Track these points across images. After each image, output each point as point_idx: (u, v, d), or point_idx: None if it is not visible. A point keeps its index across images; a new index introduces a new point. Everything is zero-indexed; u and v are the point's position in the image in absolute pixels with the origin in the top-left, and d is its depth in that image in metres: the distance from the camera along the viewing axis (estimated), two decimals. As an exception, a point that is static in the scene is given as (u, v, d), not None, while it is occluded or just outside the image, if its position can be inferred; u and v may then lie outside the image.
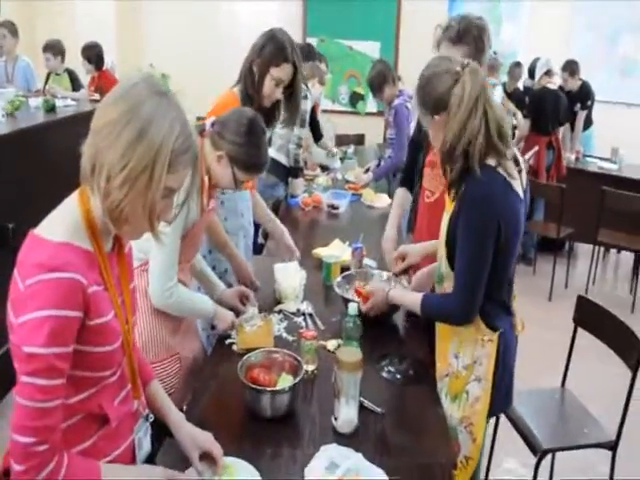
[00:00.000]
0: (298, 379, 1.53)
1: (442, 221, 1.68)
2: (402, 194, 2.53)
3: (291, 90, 2.30)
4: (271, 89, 2.24)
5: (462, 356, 1.67)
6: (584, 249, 5.22)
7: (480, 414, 1.65)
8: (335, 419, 1.49)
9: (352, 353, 1.51)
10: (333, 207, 3.45)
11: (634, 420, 2.19)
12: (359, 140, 6.03)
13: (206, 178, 1.82)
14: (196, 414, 1.50)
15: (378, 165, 4.18)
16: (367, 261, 2.49)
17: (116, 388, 1.16)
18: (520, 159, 1.63)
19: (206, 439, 1.30)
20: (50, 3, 5.81)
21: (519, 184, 1.58)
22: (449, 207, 1.64)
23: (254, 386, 1.50)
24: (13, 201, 3.31)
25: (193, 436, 1.30)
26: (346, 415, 1.47)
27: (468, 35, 2.03)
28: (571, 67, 5.43)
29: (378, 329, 1.95)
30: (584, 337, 2.46)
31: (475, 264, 1.55)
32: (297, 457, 1.40)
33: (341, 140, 5.42)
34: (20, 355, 0.97)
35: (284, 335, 1.94)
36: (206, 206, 1.83)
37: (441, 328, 1.75)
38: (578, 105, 5.53)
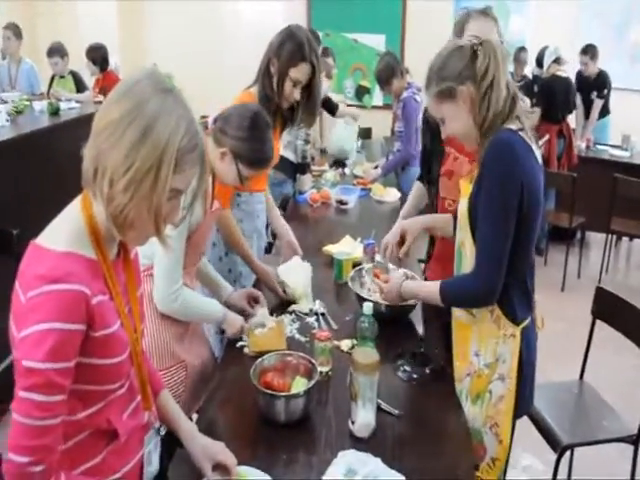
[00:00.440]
0: (313, 382, 1.49)
1: (459, 209, 1.61)
2: (419, 194, 2.47)
3: (310, 90, 2.24)
4: (289, 90, 2.19)
5: (484, 354, 1.59)
6: (596, 238, 5.15)
7: (505, 414, 1.58)
8: (352, 423, 1.45)
9: (368, 354, 1.47)
10: (342, 203, 3.40)
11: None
12: (366, 134, 5.97)
13: (209, 178, 1.77)
14: (208, 421, 1.47)
15: (386, 160, 4.13)
16: (379, 257, 2.44)
17: (125, 401, 1.11)
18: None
19: (219, 450, 1.27)
20: (51, 4, 5.80)
21: (539, 154, 1.53)
22: (466, 191, 1.58)
23: (268, 391, 1.46)
24: (17, 206, 3.29)
25: (205, 447, 1.26)
26: (363, 419, 1.43)
27: (494, 13, 2.07)
28: (592, 51, 5.34)
29: (393, 327, 1.90)
30: (600, 328, 2.41)
31: (499, 230, 1.46)
32: (313, 463, 1.36)
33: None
34: (20, 369, 0.93)
35: (297, 336, 1.90)
36: (210, 207, 1.78)
37: (459, 327, 1.68)
38: (594, 93, 5.44)
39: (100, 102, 1.17)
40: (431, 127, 2.02)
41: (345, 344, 1.84)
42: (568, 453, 2.36)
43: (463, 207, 1.57)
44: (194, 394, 1.75)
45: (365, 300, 1.89)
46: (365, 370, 1.42)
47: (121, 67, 5.85)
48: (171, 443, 1.31)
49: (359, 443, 1.42)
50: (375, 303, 1.81)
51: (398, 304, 1.88)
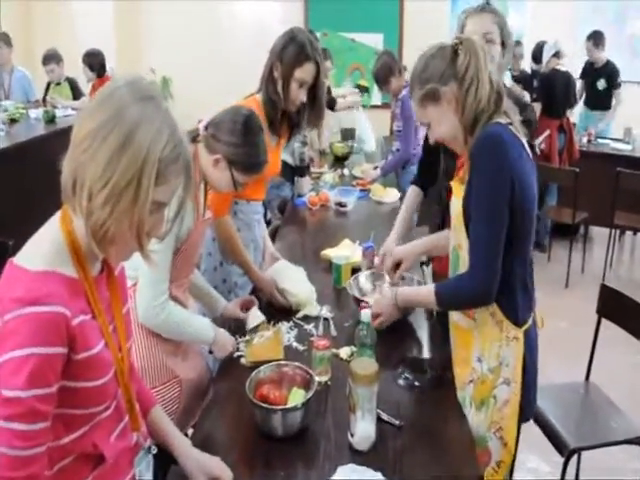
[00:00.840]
0: (310, 394, 1.45)
1: (453, 210, 1.57)
2: (414, 193, 2.41)
3: (314, 91, 2.19)
4: (295, 92, 2.14)
5: (487, 358, 1.54)
6: (598, 233, 5.10)
7: (510, 418, 1.54)
8: (351, 435, 1.41)
9: (367, 364, 1.43)
10: (341, 205, 3.35)
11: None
12: (365, 133, 5.93)
13: (201, 186, 1.73)
14: (203, 436, 1.43)
15: (386, 160, 4.09)
16: (378, 261, 2.40)
17: (111, 423, 1.07)
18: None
19: (214, 465, 1.23)
20: (47, 10, 5.78)
21: (528, 147, 1.49)
22: (458, 193, 1.54)
23: (264, 405, 1.42)
24: (13, 216, 3.27)
25: (200, 463, 1.22)
26: (363, 431, 1.39)
27: (492, 5, 2.05)
28: (595, 37, 5.29)
29: (393, 333, 1.86)
30: (605, 326, 2.37)
31: (491, 227, 1.42)
32: (312, 478, 1.32)
33: (347, 134, 5.32)
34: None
35: (294, 345, 1.86)
36: (202, 216, 1.74)
37: (458, 332, 1.63)
38: (602, 81, 5.39)
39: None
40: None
41: (344, 352, 1.80)
42: (575, 455, 2.33)
43: (457, 209, 1.53)
44: (189, 409, 1.70)
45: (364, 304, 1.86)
46: (364, 381, 1.38)
47: (118, 72, 5.82)
48: (165, 460, 1.28)
49: (359, 456, 1.38)
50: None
51: (399, 317, 1.82)
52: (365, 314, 1.62)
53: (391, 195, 3.56)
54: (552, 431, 2.13)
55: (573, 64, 5.44)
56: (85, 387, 0.97)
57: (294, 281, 2.10)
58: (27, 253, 0.97)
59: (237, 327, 1.88)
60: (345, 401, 1.48)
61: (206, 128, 1.72)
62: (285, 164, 3.54)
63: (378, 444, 1.42)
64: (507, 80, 5.45)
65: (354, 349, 1.79)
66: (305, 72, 2.12)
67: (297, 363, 1.60)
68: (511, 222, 1.43)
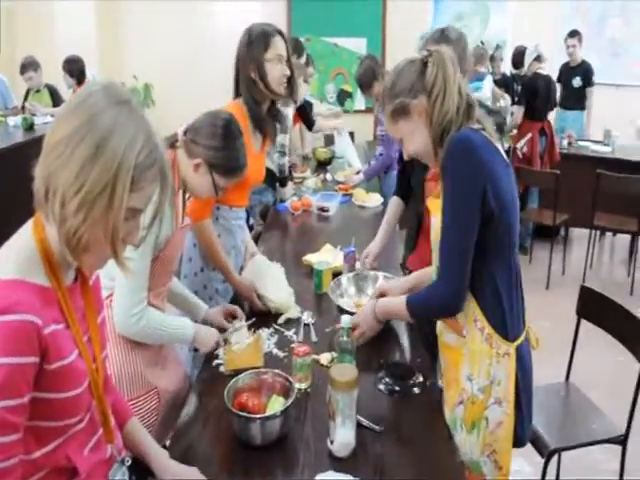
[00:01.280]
0: (290, 402, 1.43)
1: (433, 226, 1.55)
2: (395, 204, 2.45)
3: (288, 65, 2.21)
4: (278, 71, 2.15)
5: (476, 377, 1.47)
6: (578, 234, 5.16)
7: (504, 440, 1.47)
8: (331, 442, 1.40)
9: (346, 370, 1.42)
10: (323, 210, 3.36)
11: (638, 409, 2.12)
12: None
13: (180, 193, 1.72)
14: (181, 446, 1.41)
15: (369, 165, 4.10)
16: (359, 265, 2.40)
17: (85, 435, 1.05)
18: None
19: (192, 475, 1.22)
20: (28, 17, 5.72)
21: (503, 152, 1.46)
22: (436, 209, 1.51)
23: (242, 414, 1.41)
24: (-8, 225, 3.22)
25: (177, 475, 1.21)
26: (342, 437, 1.38)
27: (452, 34, 2.03)
28: (578, 35, 5.41)
29: (374, 338, 1.85)
30: (585, 326, 2.39)
31: (459, 232, 1.39)
32: (291, 486, 1.32)
33: (330, 139, 5.33)
34: None
35: (274, 351, 1.85)
36: (180, 223, 1.72)
37: (447, 351, 1.57)
38: (577, 79, 5.48)
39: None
40: None
41: (325, 358, 1.79)
42: (556, 455, 2.34)
43: (436, 225, 1.50)
44: (168, 420, 1.67)
45: (345, 312, 1.85)
46: (343, 387, 1.37)
47: (99, 79, 5.78)
48: (141, 472, 1.26)
49: (338, 463, 1.37)
50: (354, 314, 1.77)
51: (380, 329, 1.79)
52: (345, 319, 1.61)
53: (373, 199, 3.57)
54: (533, 432, 2.14)
55: (552, 67, 5.52)
56: (58, 398, 0.95)
57: (272, 285, 2.09)
58: None
59: (219, 330, 1.86)
60: (325, 408, 1.48)
61: (185, 133, 1.71)
62: (268, 170, 3.53)
63: (358, 450, 1.41)
64: (488, 83, 5.50)
65: (334, 355, 1.79)
66: (275, 48, 2.15)
67: (276, 370, 1.58)
68: (487, 229, 1.39)
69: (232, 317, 1.91)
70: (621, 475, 2.16)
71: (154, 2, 6.12)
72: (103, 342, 1.12)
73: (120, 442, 1.15)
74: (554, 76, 5.41)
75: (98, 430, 1.09)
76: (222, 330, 1.84)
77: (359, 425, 1.45)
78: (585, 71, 5.52)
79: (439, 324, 1.60)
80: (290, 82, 2.23)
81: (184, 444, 1.43)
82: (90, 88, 0.95)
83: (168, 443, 1.44)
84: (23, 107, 5.19)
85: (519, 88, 5.58)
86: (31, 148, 3.82)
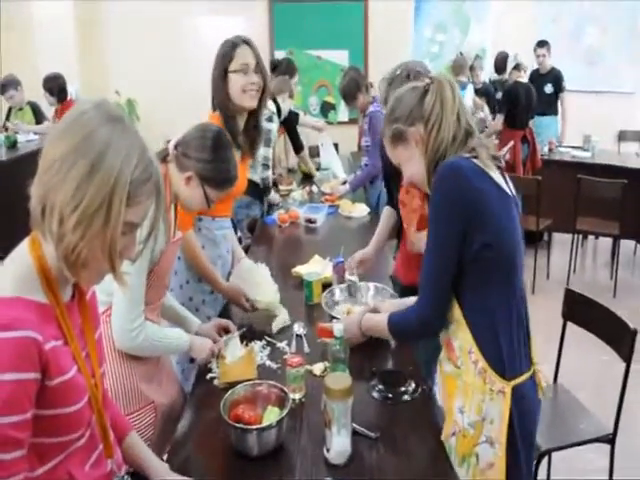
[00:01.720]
0: (285, 412, 1.45)
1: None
2: (388, 214, 2.47)
3: (261, 74, 2.21)
4: (242, 81, 2.15)
5: (468, 411, 1.41)
6: (561, 238, 5.24)
7: None
8: (327, 450, 1.42)
9: (340, 379, 1.44)
10: (310, 221, 3.39)
11: (626, 409, 2.17)
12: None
13: (172, 207, 1.74)
14: (179, 458, 1.42)
15: (355, 176, 4.15)
16: (348, 275, 2.43)
17: (86, 451, 1.06)
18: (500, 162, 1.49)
19: None
20: (7, 35, 5.69)
21: (500, 179, 1.42)
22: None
23: (238, 425, 1.42)
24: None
25: None
26: (338, 445, 1.40)
27: (419, 74, 1.95)
28: (547, 45, 5.55)
29: (366, 346, 1.86)
30: (570, 329, 2.44)
31: (436, 255, 1.37)
32: (290, 496, 1.33)
33: (314, 151, 5.38)
34: None
35: (267, 363, 1.86)
36: (172, 236, 1.74)
37: (446, 380, 1.51)
38: (549, 86, 5.61)
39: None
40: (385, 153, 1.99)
41: (318, 368, 1.81)
42: (546, 456, 2.37)
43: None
44: (165, 434, 1.67)
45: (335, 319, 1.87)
46: (338, 396, 1.39)
47: (81, 95, 5.77)
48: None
49: (335, 470, 1.39)
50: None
51: (361, 341, 1.79)
52: (338, 329, 1.64)
53: (360, 210, 3.61)
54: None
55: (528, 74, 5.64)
56: (59, 414, 0.96)
57: (258, 286, 2.12)
58: None
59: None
60: (320, 417, 1.49)
61: (176, 147, 1.73)
62: (252, 183, 3.56)
63: (354, 458, 1.43)
64: (470, 92, 5.60)
65: (327, 365, 1.81)
66: (240, 57, 2.16)
67: (271, 382, 1.60)
68: (481, 260, 1.35)
69: (225, 331, 1.92)
70: (611, 473, 2.19)
71: (135, 17, 6.14)
72: (101, 357, 1.13)
73: (120, 457, 1.16)
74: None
75: (98, 445, 1.10)
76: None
77: (354, 433, 1.47)
78: (555, 78, 5.66)
79: (442, 352, 1.54)
80: (264, 90, 2.24)
81: (181, 457, 1.44)
82: (82, 107, 0.97)
83: (165, 457, 1.44)
84: (5, 126, 5.15)
85: (500, 94, 5.69)
86: (14, 166, 3.82)
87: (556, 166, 5.28)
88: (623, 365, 2.13)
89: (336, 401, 1.39)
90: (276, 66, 4.37)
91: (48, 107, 5.43)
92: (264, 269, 2.20)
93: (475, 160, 1.38)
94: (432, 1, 6.50)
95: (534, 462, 2.03)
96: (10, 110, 5.31)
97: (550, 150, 5.55)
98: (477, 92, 5.83)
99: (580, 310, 2.40)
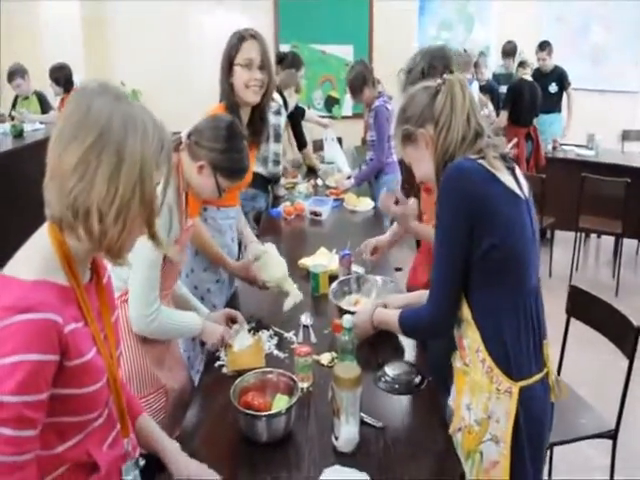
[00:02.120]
0: (294, 400, 1.47)
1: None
2: (414, 206, 2.38)
3: (265, 71, 2.21)
4: (246, 75, 2.15)
5: (474, 408, 1.42)
6: (563, 237, 5.26)
7: None
8: (336, 438, 1.44)
9: (349, 368, 1.46)
10: (316, 214, 3.40)
11: (628, 405, 2.18)
12: (337, 144, 6.01)
13: (183, 196, 1.75)
14: (188, 444, 1.44)
15: (359, 170, 4.16)
16: (355, 268, 2.45)
17: (104, 431, 1.08)
18: (511, 161, 1.47)
19: (203, 471, 1.26)
20: (13, 25, 5.69)
21: (511, 181, 1.40)
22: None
23: (248, 412, 1.44)
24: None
25: (190, 468, 1.25)
26: (347, 434, 1.42)
27: (434, 70, 1.93)
28: (548, 47, 5.53)
29: (373, 337, 1.88)
30: (573, 325, 2.45)
31: (443, 257, 1.38)
32: (298, 482, 1.35)
33: (318, 145, 5.39)
34: None
35: (275, 352, 1.88)
36: (184, 224, 1.76)
37: (457, 375, 1.51)
38: (553, 85, 5.61)
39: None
40: None
41: (325, 358, 1.83)
42: (547, 451, 2.39)
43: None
44: (174, 419, 1.69)
45: (345, 312, 1.89)
46: (347, 385, 1.41)
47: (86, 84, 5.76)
48: (150, 469, 1.28)
49: (344, 458, 1.41)
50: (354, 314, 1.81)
51: (372, 334, 1.81)
52: (347, 320, 1.65)
53: (364, 204, 3.62)
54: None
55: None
56: (78, 394, 0.98)
57: (265, 266, 2.16)
58: (16, 265, 0.97)
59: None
60: (327, 406, 1.51)
61: (189, 136, 1.75)
62: (258, 175, 3.57)
63: (362, 446, 1.45)
64: (475, 89, 5.60)
65: (334, 355, 1.83)
66: (245, 52, 2.16)
67: (281, 370, 1.62)
68: (489, 260, 1.35)
69: (232, 321, 1.94)
70: (612, 469, 2.21)
71: (141, 8, 6.14)
72: (118, 339, 1.15)
73: (134, 439, 1.17)
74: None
75: (116, 426, 1.12)
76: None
77: (361, 422, 1.48)
78: (559, 75, 5.65)
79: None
80: (268, 87, 2.24)
81: (190, 442, 1.46)
82: (85, 98, 0.95)
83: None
84: (11, 115, 5.16)
85: (504, 88, 5.69)
86: (21, 155, 3.82)
87: (560, 164, 5.29)
88: (625, 362, 2.14)
89: (345, 390, 1.41)
90: (282, 59, 4.37)
91: (54, 97, 5.43)
92: (271, 247, 2.22)
93: (482, 161, 1.37)
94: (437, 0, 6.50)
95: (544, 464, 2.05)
96: (16, 99, 5.31)
97: (554, 148, 5.56)
98: (481, 89, 5.84)
99: (584, 307, 2.42)
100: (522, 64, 5.40)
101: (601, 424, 2.22)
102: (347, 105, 6.52)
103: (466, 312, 1.42)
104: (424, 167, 1.49)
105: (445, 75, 1.46)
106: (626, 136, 6.53)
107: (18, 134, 4.39)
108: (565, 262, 4.84)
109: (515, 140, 5.22)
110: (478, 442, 1.41)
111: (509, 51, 5.96)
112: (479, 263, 1.36)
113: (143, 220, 0.99)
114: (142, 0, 6.11)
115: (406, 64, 2.05)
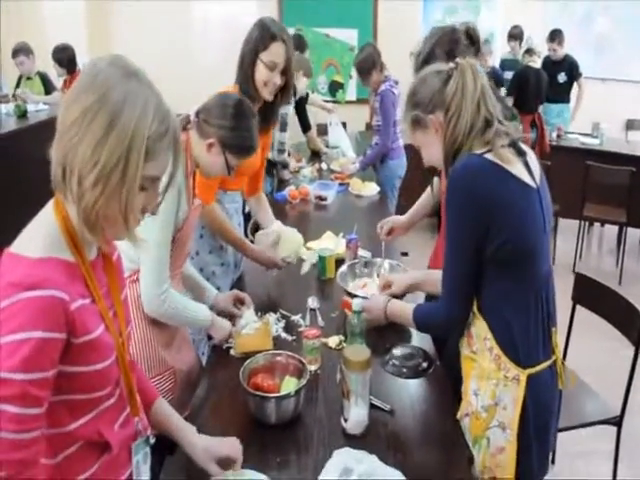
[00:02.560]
0: (304, 382, 1.47)
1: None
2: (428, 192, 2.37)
3: (286, 75, 2.18)
4: (266, 76, 2.13)
5: (482, 394, 1.42)
6: (566, 225, 5.25)
7: (506, 469, 1.40)
8: (345, 420, 1.44)
9: (359, 351, 1.45)
10: (321, 198, 3.39)
11: (634, 393, 2.19)
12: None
13: (191, 175, 1.74)
14: (197, 426, 1.42)
15: (364, 154, 4.13)
16: (362, 252, 2.44)
17: (115, 411, 1.07)
18: (523, 147, 1.46)
19: (224, 446, 1.27)
20: (17, 7, 5.63)
21: (522, 170, 1.38)
22: None
23: (258, 393, 1.44)
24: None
25: (208, 448, 1.25)
26: (356, 416, 1.42)
27: (438, 55, 1.88)
28: (559, 37, 5.48)
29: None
30: (578, 312, 2.45)
31: (456, 259, 1.38)
32: (308, 464, 1.35)
33: (322, 129, 5.36)
34: None
35: (283, 335, 1.88)
36: (193, 203, 1.74)
37: (464, 361, 1.52)
38: (562, 74, 5.56)
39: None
40: None
41: (333, 341, 1.83)
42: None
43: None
44: (182, 401, 1.69)
45: (355, 296, 1.88)
46: (357, 367, 1.40)
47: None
48: (161, 450, 1.28)
49: (353, 440, 1.41)
50: (364, 298, 1.80)
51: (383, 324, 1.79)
52: (357, 303, 1.65)
53: (370, 189, 3.61)
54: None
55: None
56: (87, 371, 0.97)
57: (280, 244, 2.20)
58: (23, 242, 0.96)
59: (226, 317, 1.88)
60: (336, 389, 1.52)
61: (197, 115, 1.74)
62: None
63: (371, 429, 1.45)
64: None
65: (342, 338, 1.83)
66: (272, 54, 2.12)
67: (290, 352, 1.62)
68: (501, 252, 1.34)
69: (241, 303, 1.93)
70: (616, 455, 2.22)
71: (145, -10, 6.07)
72: (127, 318, 1.14)
73: (145, 419, 1.17)
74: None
75: (126, 407, 1.11)
76: (230, 317, 1.87)
77: (370, 405, 1.48)
78: (570, 65, 5.59)
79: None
80: (283, 92, 2.23)
81: (199, 424, 1.45)
82: (96, 67, 0.96)
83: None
84: (14, 95, 5.12)
85: (509, 74, 5.64)
86: (24, 136, 3.79)
87: (565, 152, 5.27)
88: (631, 350, 2.14)
89: (355, 372, 1.41)
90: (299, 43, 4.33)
91: (57, 79, 5.38)
92: (277, 225, 2.21)
93: (489, 156, 1.35)
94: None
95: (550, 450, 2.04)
96: (20, 79, 5.26)
97: (558, 136, 5.52)
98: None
99: (590, 294, 2.42)
100: (529, 51, 5.35)
101: (606, 411, 2.23)
102: (351, 90, 6.46)
103: (474, 303, 1.42)
104: (433, 152, 1.48)
105: (458, 59, 1.43)
106: (630, 125, 6.49)
107: (22, 114, 4.36)
108: (569, 250, 4.83)
109: (520, 127, 5.18)
110: (485, 428, 1.42)
111: (516, 35, 5.89)
112: (490, 258, 1.36)
113: (120, 203, 0.95)
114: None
115: (416, 47, 2.02)
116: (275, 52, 2.12)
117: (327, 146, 4.60)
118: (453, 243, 1.39)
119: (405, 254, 2.63)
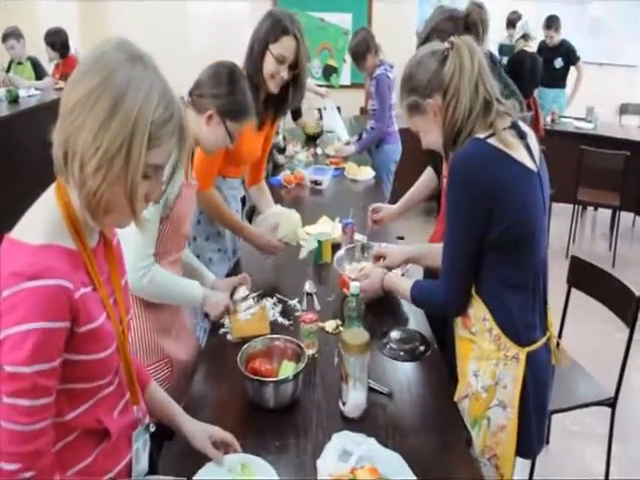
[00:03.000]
0: (302, 366, 1.47)
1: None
2: (429, 177, 2.35)
3: (295, 70, 2.14)
4: (274, 68, 2.10)
5: (482, 375, 1.43)
6: (560, 208, 5.26)
7: (507, 446, 1.42)
8: (343, 404, 1.44)
9: (357, 334, 1.45)
10: (316, 183, 3.38)
11: (628, 376, 2.21)
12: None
13: (189, 154, 1.72)
14: (195, 411, 1.44)
15: (359, 138, 4.11)
16: (358, 236, 2.43)
17: (114, 398, 1.07)
18: (524, 128, 1.44)
19: (216, 428, 1.27)
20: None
21: (524, 154, 1.38)
22: None
23: (256, 378, 1.44)
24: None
25: (204, 427, 1.26)
26: (355, 399, 1.43)
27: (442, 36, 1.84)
28: (555, 23, 5.45)
29: (379, 304, 1.89)
30: (573, 295, 2.46)
31: (456, 247, 1.39)
32: (307, 447, 1.35)
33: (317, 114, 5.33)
34: (1, 374, 0.86)
35: (280, 320, 1.88)
36: (188, 180, 1.70)
37: (460, 342, 1.53)
38: (559, 60, 5.54)
39: (61, 89, 1.09)
40: None
41: (330, 325, 1.83)
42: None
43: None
44: (180, 390, 1.66)
45: (353, 280, 1.88)
46: (355, 351, 1.40)
47: (82, 52, 5.64)
48: (159, 437, 1.28)
49: (351, 424, 1.42)
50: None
51: (378, 296, 1.81)
52: (354, 286, 1.65)
53: (365, 173, 3.60)
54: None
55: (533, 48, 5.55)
56: (88, 360, 0.96)
57: (279, 226, 2.19)
58: (24, 228, 0.95)
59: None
60: (333, 373, 1.52)
61: (191, 94, 1.74)
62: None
63: (369, 412, 1.46)
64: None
65: (339, 322, 1.83)
66: (281, 47, 2.09)
67: (287, 337, 1.62)
68: (502, 235, 1.34)
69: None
70: (610, 436, 2.25)
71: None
72: (128, 304, 1.13)
73: (144, 406, 1.17)
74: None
75: (126, 393, 1.11)
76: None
77: (368, 388, 1.49)
78: (567, 51, 5.56)
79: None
80: (296, 87, 2.19)
81: (197, 408, 1.46)
82: (102, 48, 0.94)
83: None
84: (4, 79, 5.04)
85: (504, 59, 5.61)
86: (16, 122, 3.71)
87: (559, 137, 5.26)
88: (625, 332, 2.16)
89: (354, 356, 1.41)
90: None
91: (48, 64, 5.30)
92: (275, 207, 2.20)
93: (492, 140, 1.34)
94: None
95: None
96: (10, 64, 5.18)
97: (552, 120, 5.52)
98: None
99: (585, 277, 2.43)
100: (525, 36, 5.32)
101: (600, 392, 2.25)
102: (345, 74, 6.42)
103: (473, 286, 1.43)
104: (432, 136, 1.47)
105: (452, 38, 1.40)
106: (624, 109, 6.49)
107: (13, 100, 4.28)
108: (562, 234, 4.85)
109: (517, 105, 5.17)
110: (485, 408, 1.44)
111: (514, 21, 5.85)
112: (492, 244, 1.36)
113: (124, 189, 0.93)
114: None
115: (419, 28, 1.99)
116: (285, 46, 2.10)
117: (322, 131, 4.57)
118: (455, 227, 1.39)
119: (401, 238, 2.63)
